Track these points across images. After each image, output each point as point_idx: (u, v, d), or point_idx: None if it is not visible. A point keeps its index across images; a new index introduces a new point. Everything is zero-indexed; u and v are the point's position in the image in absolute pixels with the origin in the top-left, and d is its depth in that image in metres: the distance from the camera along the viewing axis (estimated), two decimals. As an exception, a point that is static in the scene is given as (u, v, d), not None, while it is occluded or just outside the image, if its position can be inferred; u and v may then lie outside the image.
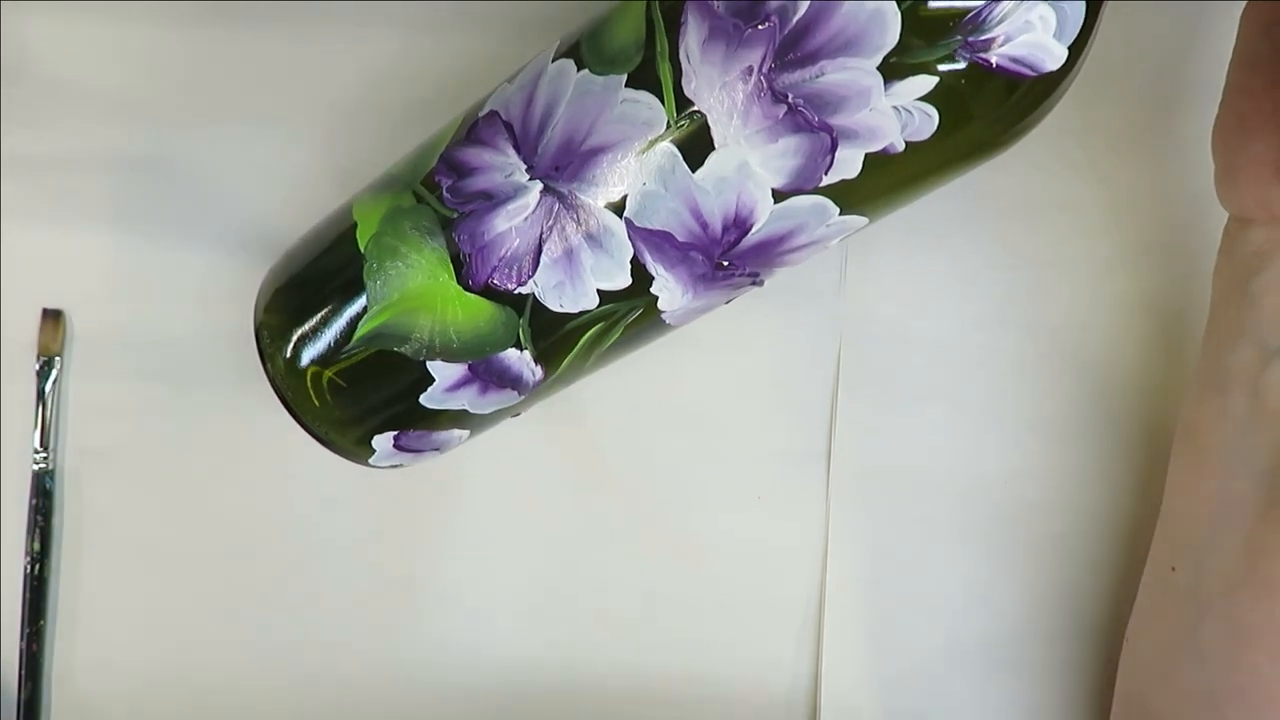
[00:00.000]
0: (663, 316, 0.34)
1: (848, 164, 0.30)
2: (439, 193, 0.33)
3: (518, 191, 0.32)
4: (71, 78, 0.41)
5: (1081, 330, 0.41)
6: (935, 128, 0.30)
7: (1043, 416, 0.41)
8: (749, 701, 0.42)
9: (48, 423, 0.41)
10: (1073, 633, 0.41)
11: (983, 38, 0.28)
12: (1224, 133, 0.35)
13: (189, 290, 0.42)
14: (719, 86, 0.29)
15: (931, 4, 0.28)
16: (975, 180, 0.34)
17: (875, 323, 0.41)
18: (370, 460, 0.36)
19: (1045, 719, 0.41)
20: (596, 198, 0.31)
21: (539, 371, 0.34)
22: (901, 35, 0.28)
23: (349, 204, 0.35)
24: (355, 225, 0.34)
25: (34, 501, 0.41)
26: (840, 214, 0.32)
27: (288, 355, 0.34)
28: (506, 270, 0.32)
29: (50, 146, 0.41)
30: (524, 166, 0.32)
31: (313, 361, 0.34)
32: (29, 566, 0.41)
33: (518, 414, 0.37)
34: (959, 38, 0.28)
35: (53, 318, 0.42)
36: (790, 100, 0.29)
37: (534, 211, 0.32)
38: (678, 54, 0.30)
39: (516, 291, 0.32)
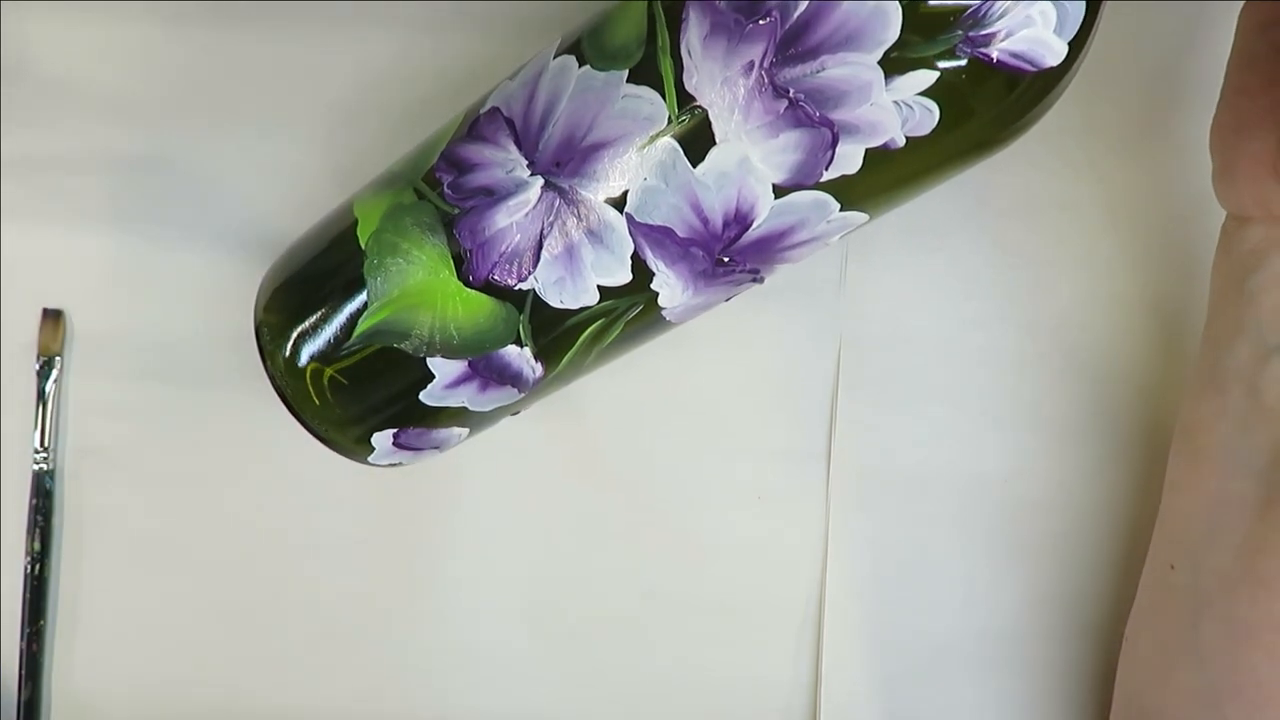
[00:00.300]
0: (663, 313, 0.34)
1: (848, 159, 0.30)
2: (440, 189, 0.33)
3: (519, 187, 0.32)
4: (71, 78, 0.41)
5: (1081, 329, 0.41)
6: (936, 123, 0.30)
7: (1043, 416, 0.41)
8: (748, 701, 0.42)
9: (48, 423, 0.41)
10: (1073, 632, 0.41)
11: (983, 33, 0.28)
12: (1222, 131, 0.35)
13: (189, 290, 0.42)
14: (720, 82, 0.29)
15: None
16: (975, 179, 0.34)
17: (875, 322, 0.41)
18: (370, 459, 0.36)
19: (1045, 719, 0.41)
20: (597, 193, 0.31)
21: (539, 368, 0.34)
22: (902, 30, 0.28)
23: (350, 201, 0.35)
24: (356, 222, 0.34)
25: (34, 501, 0.41)
26: (841, 210, 0.32)
27: (288, 353, 0.34)
28: (507, 266, 0.32)
29: (50, 146, 0.41)
30: (525, 162, 0.32)
31: (313, 359, 0.34)
32: (29, 566, 0.41)
33: (517, 412, 0.37)
34: (960, 33, 0.28)
35: (53, 318, 0.42)
36: (791, 95, 0.29)
37: (535, 207, 0.31)
38: (679, 49, 0.30)
39: (517, 287, 0.32)
